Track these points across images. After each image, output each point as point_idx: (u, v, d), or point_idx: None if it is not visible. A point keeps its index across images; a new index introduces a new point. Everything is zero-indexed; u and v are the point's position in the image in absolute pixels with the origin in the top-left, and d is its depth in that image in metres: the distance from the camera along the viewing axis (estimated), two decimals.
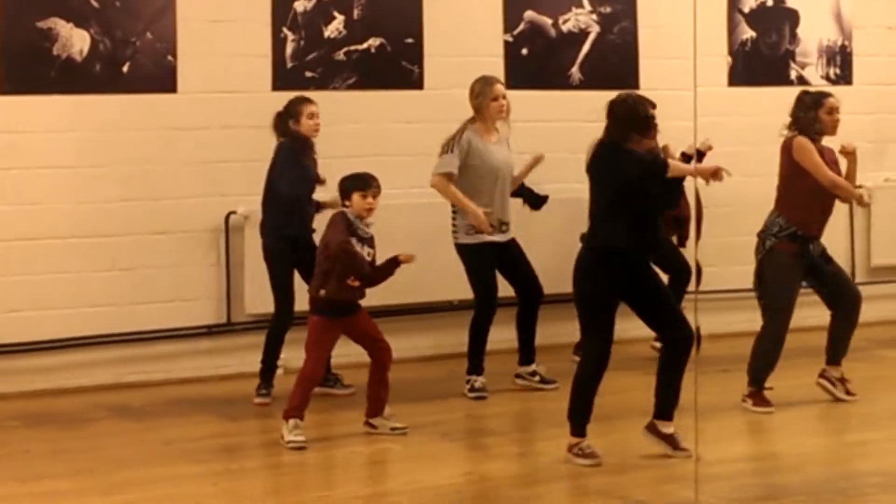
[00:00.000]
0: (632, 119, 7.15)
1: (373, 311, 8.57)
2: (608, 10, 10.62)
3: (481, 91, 8.74)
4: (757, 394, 8.26)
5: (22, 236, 9.00)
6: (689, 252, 9.41)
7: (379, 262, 7.77)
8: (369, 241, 7.71)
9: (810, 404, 8.49)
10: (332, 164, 9.63)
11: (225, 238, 9.42)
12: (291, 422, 7.49)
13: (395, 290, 9.47)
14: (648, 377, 8.07)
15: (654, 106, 7.27)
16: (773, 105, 10.99)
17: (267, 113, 9.24)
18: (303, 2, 9.64)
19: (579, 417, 7.11)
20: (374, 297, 8.33)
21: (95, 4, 9.08)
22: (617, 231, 6.99)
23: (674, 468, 6.86)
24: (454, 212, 8.76)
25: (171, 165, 9.29)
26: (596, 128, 10.28)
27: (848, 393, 8.56)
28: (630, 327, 9.88)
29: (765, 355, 8.28)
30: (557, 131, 10.12)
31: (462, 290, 8.99)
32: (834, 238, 11.26)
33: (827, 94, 8.44)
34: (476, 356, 8.76)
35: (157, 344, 9.34)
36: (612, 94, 10.37)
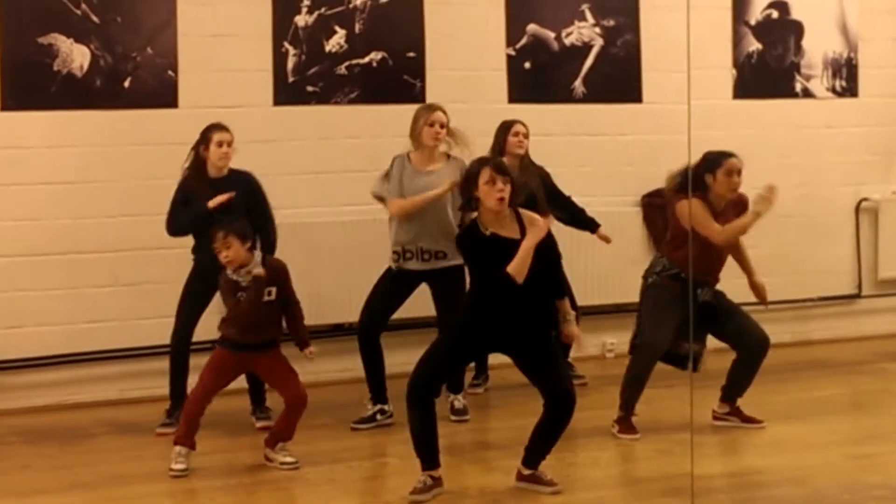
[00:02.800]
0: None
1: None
2: (611, 23, 10.59)
3: (419, 115, 8.40)
4: (624, 419, 8.02)
5: (23, 252, 9.01)
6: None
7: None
8: (257, 283, 7.45)
9: (815, 417, 8.44)
10: (333, 179, 9.68)
11: None
12: (177, 448, 7.41)
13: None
14: (649, 390, 8.06)
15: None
16: (778, 118, 11.05)
17: (269, 127, 9.28)
18: (304, 16, 9.64)
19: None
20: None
21: (96, 20, 9.09)
22: None
23: (671, 482, 6.80)
24: None
25: (173, 180, 9.23)
26: (599, 141, 10.40)
27: (747, 420, 8.20)
28: (629, 340, 9.87)
29: (629, 387, 8.04)
30: (560, 145, 10.11)
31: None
32: (840, 251, 11.31)
33: (730, 155, 8.05)
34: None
35: (160, 359, 9.28)
36: (615, 108, 10.54)
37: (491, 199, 6.62)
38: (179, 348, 8.44)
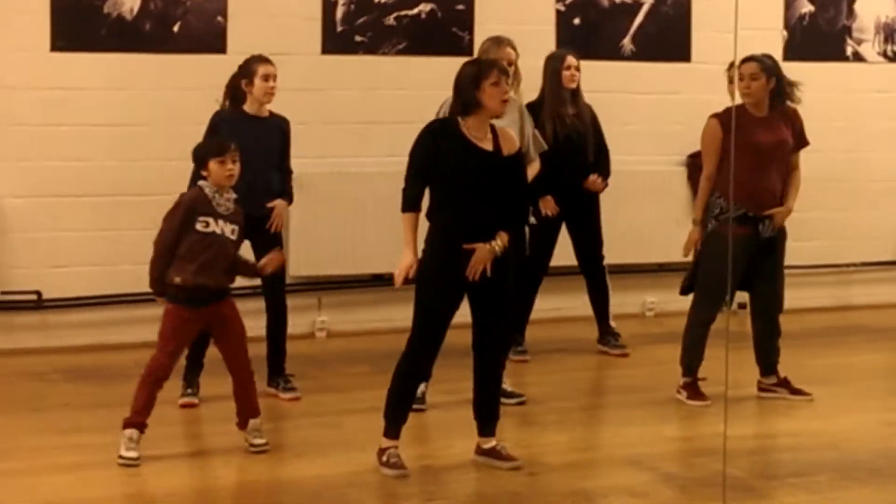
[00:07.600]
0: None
1: None
2: None
3: (489, 49, 7.87)
4: (691, 385, 7.75)
5: (68, 192, 9.09)
6: None
7: None
8: (232, 217, 6.73)
9: (852, 382, 8.42)
10: (378, 130, 9.68)
11: None
12: (128, 432, 6.60)
13: None
14: None
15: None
16: (828, 81, 10.95)
17: (316, 76, 9.27)
18: None
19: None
20: None
21: None
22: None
23: (704, 441, 6.81)
24: None
25: None
26: (646, 100, 10.35)
27: (796, 392, 7.91)
28: (669, 300, 9.87)
29: (687, 351, 7.78)
30: (608, 102, 10.03)
31: None
32: (885, 217, 11.23)
33: (748, 59, 7.70)
34: None
35: None
36: (664, 66, 10.49)
37: (495, 101, 6.26)
38: None
